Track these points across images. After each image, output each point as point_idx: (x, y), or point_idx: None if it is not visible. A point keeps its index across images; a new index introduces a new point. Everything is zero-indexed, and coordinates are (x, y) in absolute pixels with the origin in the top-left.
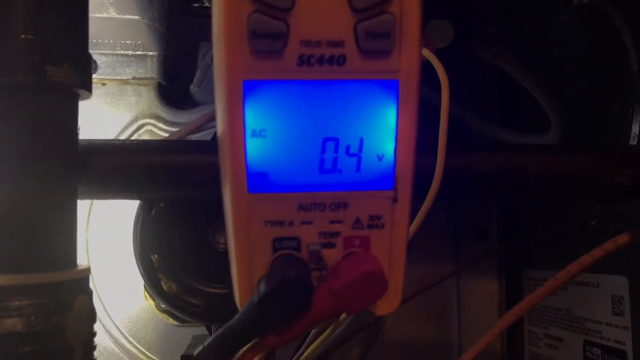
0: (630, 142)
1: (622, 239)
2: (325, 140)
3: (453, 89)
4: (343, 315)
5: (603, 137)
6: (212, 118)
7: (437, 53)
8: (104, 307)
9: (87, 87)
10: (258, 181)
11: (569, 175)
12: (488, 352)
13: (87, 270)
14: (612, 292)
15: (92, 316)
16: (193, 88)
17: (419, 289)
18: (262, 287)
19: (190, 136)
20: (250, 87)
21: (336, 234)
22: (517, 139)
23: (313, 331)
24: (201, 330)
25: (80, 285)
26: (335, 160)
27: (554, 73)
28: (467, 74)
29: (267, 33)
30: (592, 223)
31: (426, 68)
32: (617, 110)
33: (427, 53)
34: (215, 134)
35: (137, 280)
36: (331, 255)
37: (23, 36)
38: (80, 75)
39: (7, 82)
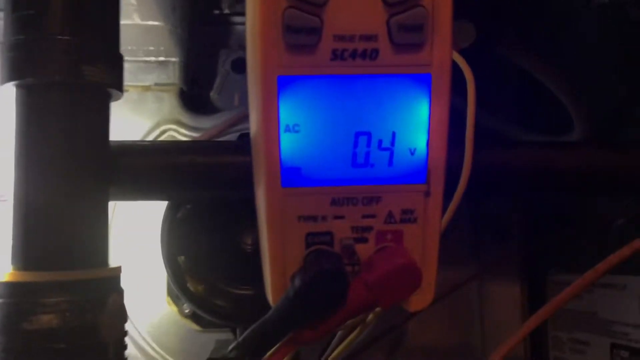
0: None
1: None
2: (358, 135)
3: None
4: (370, 317)
5: (627, 137)
6: (233, 123)
7: (461, 53)
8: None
9: (119, 87)
10: (291, 176)
11: (596, 171)
12: (511, 358)
13: (118, 269)
14: None
15: (123, 314)
16: (213, 94)
17: (445, 290)
18: (297, 281)
19: None
20: (284, 83)
21: (369, 229)
22: (539, 140)
23: (338, 334)
24: (225, 335)
25: (112, 283)
26: (367, 154)
27: (576, 72)
28: (486, 76)
29: (301, 27)
30: (618, 223)
31: None
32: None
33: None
34: (241, 134)
35: (160, 286)
36: (364, 250)
37: (60, 37)
38: (113, 74)
39: (44, 82)
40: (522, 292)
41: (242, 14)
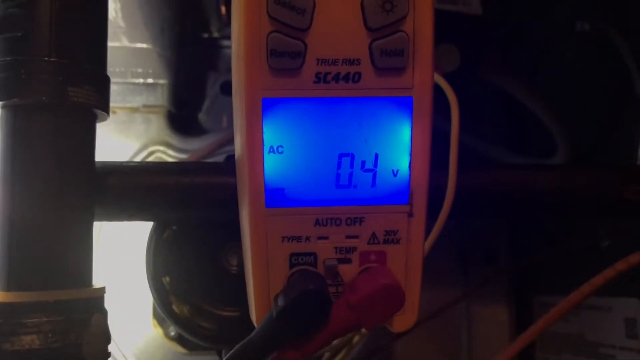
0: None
1: (634, 258)
2: (341, 156)
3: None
4: (356, 338)
5: (609, 158)
6: (221, 144)
7: (445, 77)
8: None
9: (105, 108)
10: (275, 196)
11: (578, 191)
12: None
13: (102, 290)
14: (625, 315)
15: (107, 335)
16: (202, 116)
17: (431, 312)
18: (280, 301)
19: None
20: (268, 105)
21: (352, 249)
22: (524, 162)
23: (326, 355)
24: (211, 358)
25: (96, 303)
26: (350, 175)
27: (559, 96)
28: (472, 99)
29: (285, 51)
30: (603, 245)
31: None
32: (623, 132)
33: (435, 76)
34: (228, 156)
35: (145, 308)
36: (347, 271)
37: (46, 59)
38: (99, 96)
39: (30, 103)
40: (509, 314)
41: (231, 37)
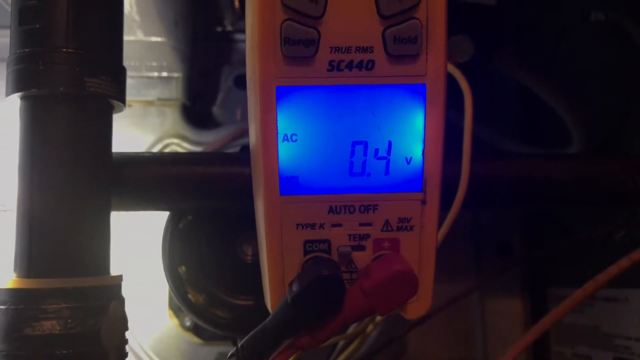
0: None
1: None
2: (355, 144)
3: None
4: (370, 327)
5: (624, 149)
6: (235, 137)
7: (459, 68)
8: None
9: (121, 98)
10: (289, 184)
11: (593, 180)
12: None
13: (119, 277)
14: None
15: (124, 322)
16: (216, 109)
17: (443, 303)
18: (295, 287)
19: None
20: (282, 93)
21: (366, 237)
22: (537, 152)
23: (340, 344)
24: (226, 348)
25: (113, 290)
26: (364, 163)
27: (574, 86)
28: (486, 90)
29: (299, 40)
30: (617, 236)
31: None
32: (638, 122)
33: (449, 67)
34: (243, 146)
35: (161, 299)
36: (361, 258)
37: (64, 50)
38: (115, 86)
39: (48, 93)
40: (524, 306)
41: (244, 31)
